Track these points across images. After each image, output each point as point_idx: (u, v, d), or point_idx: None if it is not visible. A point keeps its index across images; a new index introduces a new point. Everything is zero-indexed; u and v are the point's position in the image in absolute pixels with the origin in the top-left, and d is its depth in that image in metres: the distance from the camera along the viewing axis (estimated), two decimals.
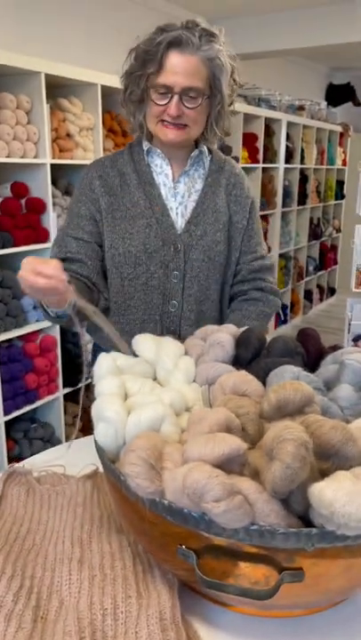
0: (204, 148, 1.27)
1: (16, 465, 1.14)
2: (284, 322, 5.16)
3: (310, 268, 5.69)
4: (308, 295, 5.79)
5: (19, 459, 2.34)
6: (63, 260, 1.18)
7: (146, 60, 1.12)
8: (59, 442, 2.60)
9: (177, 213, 1.24)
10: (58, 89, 2.53)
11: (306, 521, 0.62)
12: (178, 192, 1.25)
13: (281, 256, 4.96)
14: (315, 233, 5.65)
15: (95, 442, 0.77)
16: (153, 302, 1.24)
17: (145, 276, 1.22)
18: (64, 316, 1.06)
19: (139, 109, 1.19)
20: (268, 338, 0.95)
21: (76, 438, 1.29)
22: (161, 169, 1.25)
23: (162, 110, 1.14)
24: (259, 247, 1.33)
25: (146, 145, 1.24)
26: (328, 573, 0.62)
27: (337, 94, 6.23)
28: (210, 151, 1.29)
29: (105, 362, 0.87)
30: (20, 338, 2.45)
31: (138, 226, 1.20)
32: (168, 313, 1.25)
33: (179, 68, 1.10)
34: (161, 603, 0.73)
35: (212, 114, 1.19)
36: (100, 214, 1.23)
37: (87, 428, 0.93)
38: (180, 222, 1.24)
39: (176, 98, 1.11)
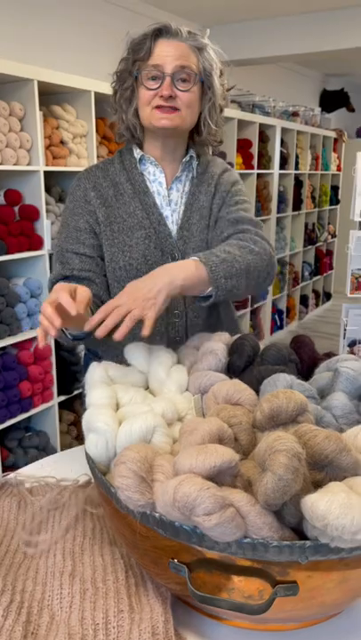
0: (195, 154, 1.25)
1: (8, 476, 1.12)
2: (280, 327, 5.15)
3: (306, 274, 5.70)
4: (303, 300, 5.80)
5: (13, 468, 2.31)
6: (67, 277, 1.17)
7: (135, 50, 1.12)
8: (54, 450, 2.57)
9: (172, 221, 1.22)
10: (51, 96, 2.53)
11: (300, 533, 0.61)
12: (171, 199, 1.23)
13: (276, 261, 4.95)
14: (310, 238, 5.66)
15: (86, 453, 0.76)
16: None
17: None
18: (82, 337, 1.04)
19: (130, 106, 1.17)
20: (264, 343, 0.94)
21: (72, 447, 1.27)
22: (154, 176, 1.22)
23: (153, 94, 1.11)
24: (241, 206, 1.23)
25: (138, 153, 1.22)
26: (323, 586, 0.61)
27: (331, 100, 6.26)
28: (198, 154, 1.27)
29: (96, 371, 0.86)
30: (14, 345, 2.43)
31: (136, 237, 1.18)
32: (173, 324, 1.21)
33: (169, 51, 1.10)
34: (154, 617, 0.72)
35: (204, 108, 1.18)
36: (98, 226, 1.19)
37: (82, 437, 0.91)
38: (174, 230, 1.22)
39: (168, 79, 1.09)
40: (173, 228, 1.22)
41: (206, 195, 1.24)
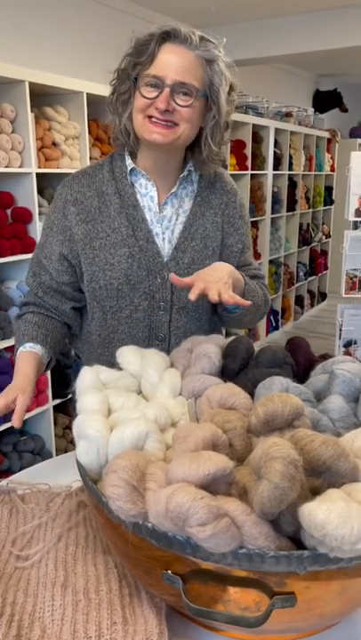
0: (193, 167, 1.16)
1: (1, 482, 1.10)
2: (276, 328, 5.15)
3: (301, 274, 5.69)
4: (299, 301, 5.79)
5: (8, 472, 2.29)
6: (35, 304, 1.18)
7: (138, 52, 1.02)
8: (49, 454, 2.55)
9: (163, 239, 1.14)
10: (43, 97, 2.51)
11: (297, 542, 0.59)
12: (164, 216, 1.14)
13: (271, 262, 4.95)
14: (304, 239, 5.66)
15: (77, 460, 0.74)
16: (138, 336, 1.15)
17: (129, 308, 1.14)
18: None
19: (126, 108, 1.08)
20: (260, 344, 0.93)
21: (67, 451, 1.25)
22: (146, 190, 1.13)
23: (148, 104, 1.01)
24: (252, 260, 1.29)
25: (130, 164, 1.13)
26: (322, 597, 0.59)
27: (324, 101, 6.27)
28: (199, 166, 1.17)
29: (87, 376, 0.84)
30: (7, 349, 2.40)
31: (119, 255, 1.11)
32: (155, 347, 1.11)
33: (173, 61, 0.99)
34: (148, 629, 0.70)
35: (206, 126, 1.07)
36: (75, 244, 1.13)
37: None
38: (166, 248, 1.14)
39: (167, 90, 0.99)
40: (165, 246, 1.14)
41: (213, 224, 1.17)
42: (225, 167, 3.81)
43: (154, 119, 1.03)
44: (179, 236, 1.15)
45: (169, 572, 0.61)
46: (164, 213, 1.15)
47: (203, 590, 0.61)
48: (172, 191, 1.14)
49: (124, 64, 1.06)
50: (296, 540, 0.59)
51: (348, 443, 0.66)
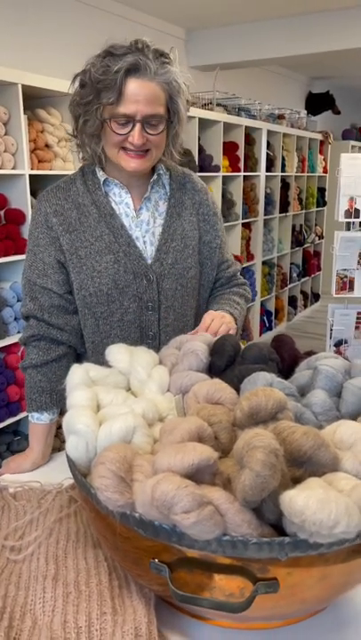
0: (162, 170, 1.22)
1: None
2: (269, 328, 5.17)
3: (294, 275, 5.73)
4: (292, 301, 5.82)
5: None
6: (37, 317, 1.19)
7: (101, 90, 1.05)
8: None
9: (145, 242, 1.19)
10: (36, 100, 2.53)
11: (279, 530, 0.61)
12: (142, 220, 1.19)
13: (264, 263, 4.98)
14: (297, 240, 5.69)
15: (67, 455, 0.75)
16: (130, 337, 1.19)
17: (119, 312, 1.17)
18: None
19: (95, 141, 1.13)
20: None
21: (60, 450, 1.27)
22: (120, 198, 1.19)
23: (123, 139, 1.08)
24: (228, 255, 1.34)
25: (102, 175, 1.18)
26: (303, 583, 0.61)
27: (316, 103, 6.31)
28: (166, 168, 1.24)
29: (77, 373, 0.85)
30: (1, 350, 2.41)
31: (105, 262, 1.15)
32: (147, 345, 1.16)
33: (140, 95, 1.05)
34: (137, 618, 0.72)
35: (169, 135, 1.15)
36: (63, 255, 1.16)
37: None
38: (149, 251, 1.19)
39: (138, 126, 1.06)
40: (148, 249, 1.19)
41: (190, 224, 1.23)
42: (216, 169, 3.83)
43: (129, 151, 1.10)
44: (159, 237, 1.20)
45: (156, 560, 0.63)
46: (141, 218, 1.20)
47: (189, 578, 0.63)
48: (146, 195, 1.20)
49: (83, 97, 1.09)
50: (278, 528, 0.61)
51: (330, 434, 0.68)
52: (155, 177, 1.20)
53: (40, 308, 1.18)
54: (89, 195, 1.17)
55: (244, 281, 1.36)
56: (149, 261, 1.18)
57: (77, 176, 1.21)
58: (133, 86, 1.05)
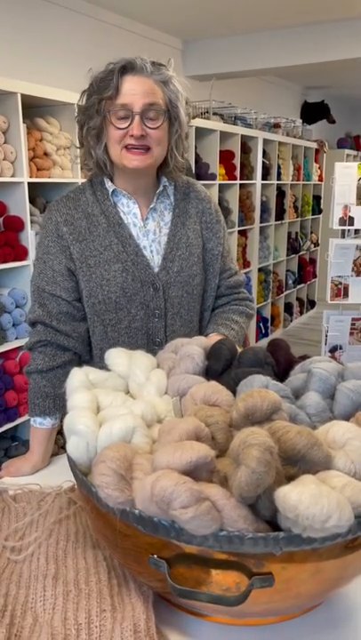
0: (167, 182, 1.25)
1: None
2: (265, 335, 5.20)
3: (290, 282, 5.77)
4: (288, 308, 5.86)
5: None
6: (45, 323, 1.20)
7: (101, 87, 1.10)
8: None
9: (151, 251, 1.22)
10: (35, 109, 2.56)
11: (275, 526, 0.63)
12: (149, 230, 1.22)
13: (260, 270, 5.02)
14: (293, 247, 5.74)
15: (67, 455, 0.77)
16: (138, 344, 1.21)
17: (127, 319, 1.20)
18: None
19: (98, 143, 1.16)
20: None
21: (56, 455, 1.29)
22: (128, 208, 1.22)
23: (123, 134, 1.11)
24: (232, 264, 1.36)
25: (111, 186, 1.21)
26: (297, 577, 0.63)
27: (312, 112, 6.39)
28: (171, 178, 1.26)
29: (77, 376, 0.88)
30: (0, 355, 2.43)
31: (114, 270, 1.18)
32: (153, 352, 1.20)
33: (135, 90, 1.09)
34: (135, 615, 0.73)
35: (171, 140, 1.18)
36: (73, 264, 1.19)
37: None
38: (155, 260, 1.22)
39: (137, 118, 1.09)
40: (154, 257, 1.22)
41: (194, 232, 1.26)
42: (213, 177, 3.88)
43: (130, 147, 1.12)
44: (165, 246, 1.23)
45: (155, 556, 0.65)
46: (147, 227, 1.23)
47: (187, 573, 0.65)
48: (151, 206, 1.23)
49: (87, 101, 1.15)
50: (274, 525, 0.63)
51: (323, 434, 0.70)
52: (161, 188, 1.24)
53: (48, 314, 1.20)
54: (98, 205, 1.20)
55: (247, 296, 1.38)
56: (156, 270, 1.21)
57: (86, 186, 1.24)
58: (129, 81, 1.10)
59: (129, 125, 1.10)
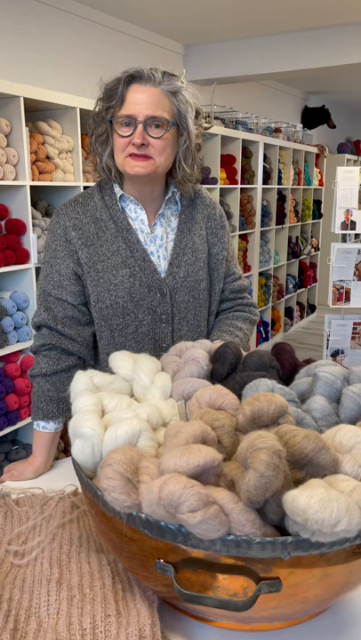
0: (175, 189, 1.25)
1: None
2: (266, 339, 5.20)
3: (290, 286, 5.77)
4: (288, 312, 5.86)
5: None
6: (50, 327, 1.20)
7: (108, 96, 1.12)
8: None
9: (158, 256, 1.23)
10: (37, 112, 2.57)
11: (282, 531, 0.63)
12: (156, 235, 1.23)
13: (261, 274, 5.02)
14: (294, 251, 5.75)
15: (72, 459, 0.77)
16: (145, 349, 1.22)
17: (134, 324, 1.21)
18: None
19: (105, 148, 1.17)
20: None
21: (58, 459, 1.29)
22: (136, 214, 1.23)
23: (127, 142, 1.11)
24: (236, 269, 1.37)
25: (119, 191, 1.22)
26: (305, 582, 0.63)
27: (312, 117, 6.41)
28: (178, 185, 1.26)
29: (82, 379, 0.87)
30: (0, 359, 2.42)
31: (121, 275, 1.18)
32: (160, 357, 1.22)
33: (141, 100, 1.09)
34: (140, 620, 0.73)
35: (179, 151, 1.17)
36: (81, 268, 1.19)
37: (69, 450, 0.94)
38: (162, 265, 1.22)
39: (140, 127, 1.09)
40: (161, 263, 1.23)
41: (200, 238, 1.27)
42: (214, 181, 3.88)
43: (133, 155, 1.12)
44: (172, 252, 1.23)
45: (161, 560, 0.64)
46: (155, 233, 1.23)
47: (194, 578, 0.64)
48: (159, 212, 1.24)
49: (98, 108, 1.16)
50: (281, 529, 0.63)
51: (330, 437, 0.70)
52: (169, 194, 1.24)
53: (54, 318, 1.20)
54: (107, 210, 1.21)
55: (251, 301, 1.39)
56: (163, 275, 1.21)
57: (95, 191, 1.24)
58: (135, 91, 1.10)
59: (132, 133, 1.10)
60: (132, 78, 1.10)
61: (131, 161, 1.13)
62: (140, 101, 1.09)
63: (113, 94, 1.11)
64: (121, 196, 1.22)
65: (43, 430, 1.22)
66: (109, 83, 1.12)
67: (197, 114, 1.17)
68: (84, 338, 1.23)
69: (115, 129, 1.12)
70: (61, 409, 1.21)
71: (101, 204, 1.21)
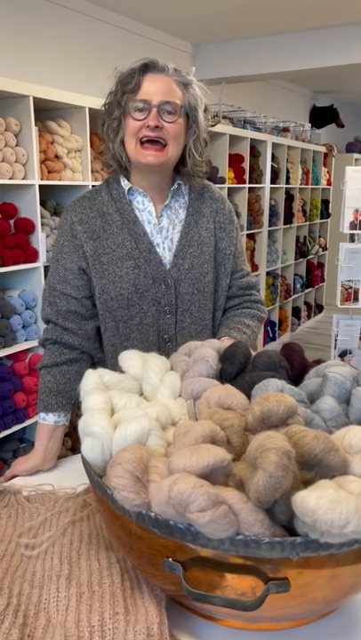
0: (181, 181, 1.27)
1: (5, 483, 1.13)
2: (273, 339, 5.19)
3: (298, 286, 5.76)
4: (295, 312, 5.85)
5: None
6: (54, 322, 1.22)
7: (123, 83, 1.15)
8: None
9: (164, 248, 1.23)
10: (46, 112, 2.58)
11: (291, 531, 0.63)
12: (162, 227, 1.24)
13: (268, 274, 5.02)
14: (301, 251, 5.73)
15: (82, 457, 0.77)
16: (149, 340, 1.23)
17: (139, 315, 1.22)
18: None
19: (116, 135, 1.19)
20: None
21: (66, 457, 1.29)
22: (143, 206, 1.24)
23: (140, 125, 1.13)
24: (244, 265, 1.37)
25: (126, 185, 1.23)
26: (314, 583, 0.63)
27: (320, 116, 6.39)
28: (186, 178, 1.28)
29: (91, 378, 0.88)
30: (8, 357, 2.44)
31: (126, 267, 1.19)
32: (164, 348, 1.24)
33: (156, 86, 1.13)
34: (149, 619, 0.73)
35: (189, 140, 1.20)
36: (86, 261, 1.21)
37: (77, 448, 0.94)
38: (167, 257, 1.23)
39: (154, 110, 1.12)
40: (166, 254, 1.23)
41: (207, 231, 1.27)
42: (222, 181, 3.88)
43: (145, 142, 1.14)
44: (177, 244, 1.24)
45: (170, 559, 0.64)
46: (161, 224, 1.24)
47: (202, 577, 0.65)
48: (166, 203, 1.25)
49: (111, 98, 1.18)
50: (290, 530, 0.63)
51: (339, 438, 0.70)
52: (175, 186, 1.25)
53: (57, 312, 1.22)
54: (113, 203, 1.23)
55: (259, 298, 1.39)
56: (168, 267, 1.22)
57: (102, 187, 1.27)
58: (150, 79, 1.14)
59: (146, 117, 1.13)
60: (147, 68, 1.14)
61: (142, 150, 1.15)
62: (154, 88, 1.13)
63: (129, 81, 1.14)
64: (129, 189, 1.23)
65: (42, 422, 1.23)
66: (124, 72, 1.15)
67: (205, 109, 1.20)
68: (86, 331, 1.24)
69: (128, 112, 1.14)
70: (60, 402, 1.21)
71: (108, 198, 1.23)
